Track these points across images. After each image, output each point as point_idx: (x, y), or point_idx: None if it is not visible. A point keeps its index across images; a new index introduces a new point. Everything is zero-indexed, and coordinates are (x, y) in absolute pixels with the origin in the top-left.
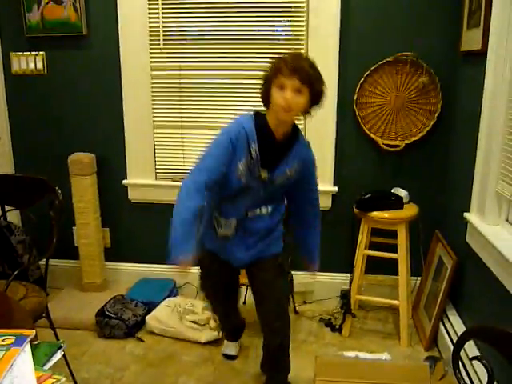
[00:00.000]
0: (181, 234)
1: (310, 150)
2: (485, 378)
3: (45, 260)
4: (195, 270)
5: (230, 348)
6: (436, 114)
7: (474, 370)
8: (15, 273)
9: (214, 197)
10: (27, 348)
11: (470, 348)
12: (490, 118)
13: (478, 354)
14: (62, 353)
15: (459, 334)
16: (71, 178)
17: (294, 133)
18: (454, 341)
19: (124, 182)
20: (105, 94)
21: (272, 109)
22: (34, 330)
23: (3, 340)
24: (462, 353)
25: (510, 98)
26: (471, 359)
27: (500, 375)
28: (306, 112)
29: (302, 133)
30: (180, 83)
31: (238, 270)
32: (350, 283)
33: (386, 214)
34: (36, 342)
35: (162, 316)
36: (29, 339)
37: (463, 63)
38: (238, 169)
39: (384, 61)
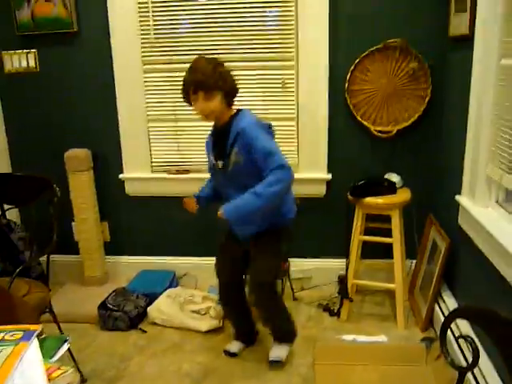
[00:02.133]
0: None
1: (243, 123)
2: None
3: (46, 256)
4: (195, 260)
5: (233, 345)
6: (426, 100)
7: (462, 349)
8: (18, 270)
9: None
10: (35, 342)
11: (463, 325)
12: (479, 102)
13: (472, 332)
14: (68, 345)
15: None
16: (68, 174)
17: (231, 120)
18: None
19: (120, 176)
20: (98, 90)
21: None
22: (41, 325)
23: (12, 335)
24: (454, 329)
25: (498, 82)
26: (457, 338)
27: (492, 350)
28: (229, 103)
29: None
30: (172, 76)
31: (243, 248)
32: (347, 268)
33: (379, 200)
34: (42, 336)
35: (163, 306)
36: (36, 333)
37: (452, 48)
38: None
39: (374, 48)
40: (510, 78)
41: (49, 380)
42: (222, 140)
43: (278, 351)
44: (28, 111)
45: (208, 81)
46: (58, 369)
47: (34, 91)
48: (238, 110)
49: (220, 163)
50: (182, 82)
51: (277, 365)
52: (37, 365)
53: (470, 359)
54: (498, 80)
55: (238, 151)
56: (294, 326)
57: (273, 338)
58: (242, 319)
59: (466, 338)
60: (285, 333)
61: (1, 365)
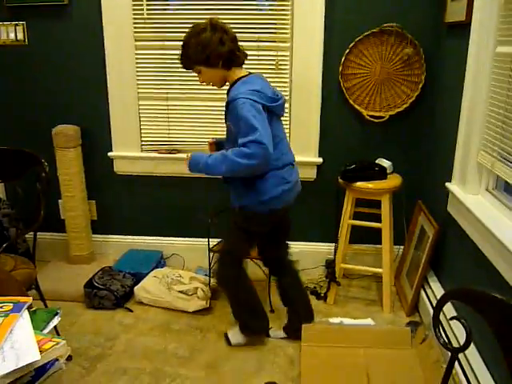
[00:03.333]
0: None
1: (235, 92)
2: (462, 338)
3: (32, 233)
4: (183, 241)
5: (237, 336)
6: (420, 86)
7: (453, 331)
8: (4, 245)
9: None
10: (25, 314)
11: (449, 312)
12: (473, 89)
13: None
14: (59, 318)
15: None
16: (56, 151)
17: (232, 85)
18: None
19: (109, 154)
20: (88, 65)
21: None
22: (31, 298)
23: (1, 307)
24: (441, 316)
25: (493, 70)
26: (450, 319)
27: (476, 335)
28: (230, 65)
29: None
30: (164, 54)
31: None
32: (335, 252)
33: (370, 185)
34: (33, 309)
35: (150, 286)
36: (27, 305)
37: (447, 35)
38: None
39: (369, 32)
40: (506, 66)
41: (40, 351)
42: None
43: (232, 333)
44: (16, 85)
45: (182, 61)
46: (50, 340)
47: (22, 65)
48: (246, 75)
49: (226, 124)
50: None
51: (227, 341)
52: (27, 336)
53: (459, 341)
54: (494, 67)
55: (230, 119)
56: (255, 326)
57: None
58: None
59: (459, 319)
60: (239, 321)
61: None
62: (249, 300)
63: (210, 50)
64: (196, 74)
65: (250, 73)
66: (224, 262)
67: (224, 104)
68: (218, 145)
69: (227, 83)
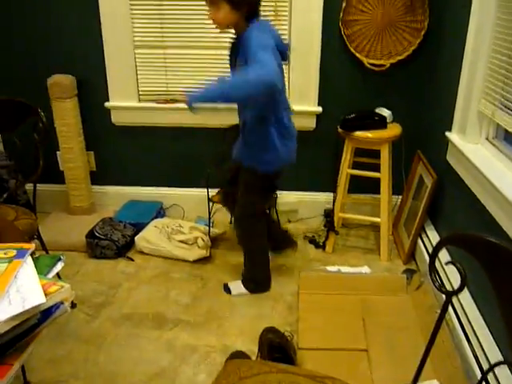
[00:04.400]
0: None
1: (247, 33)
2: (457, 283)
3: (32, 185)
4: (182, 191)
5: (238, 288)
6: (422, 33)
7: (447, 276)
8: (4, 195)
9: None
10: (29, 259)
11: (444, 259)
12: (477, 35)
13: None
14: (63, 264)
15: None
16: (52, 102)
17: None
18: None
19: (106, 104)
20: (82, 13)
21: None
22: (34, 244)
23: (5, 253)
24: (436, 263)
25: (498, 15)
26: (446, 263)
27: (470, 283)
28: (249, 16)
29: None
30: (161, 0)
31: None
32: (334, 202)
33: (369, 134)
34: (36, 256)
35: (150, 236)
36: (30, 251)
37: None
38: None
39: None
40: (510, 12)
41: (46, 295)
42: (234, 51)
43: (234, 285)
44: (6, 34)
45: None
46: (54, 284)
47: (15, 13)
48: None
49: (232, 72)
50: None
51: (226, 291)
52: (32, 280)
53: (453, 286)
54: (498, 12)
55: (239, 62)
56: (261, 278)
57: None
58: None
59: (454, 263)
60: (248, 279)
61: None
62: (265, 255)
63: None
64: (206, 8)
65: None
66: (246, 217)
67: (225, 51)
68: None
69: (228, 28)
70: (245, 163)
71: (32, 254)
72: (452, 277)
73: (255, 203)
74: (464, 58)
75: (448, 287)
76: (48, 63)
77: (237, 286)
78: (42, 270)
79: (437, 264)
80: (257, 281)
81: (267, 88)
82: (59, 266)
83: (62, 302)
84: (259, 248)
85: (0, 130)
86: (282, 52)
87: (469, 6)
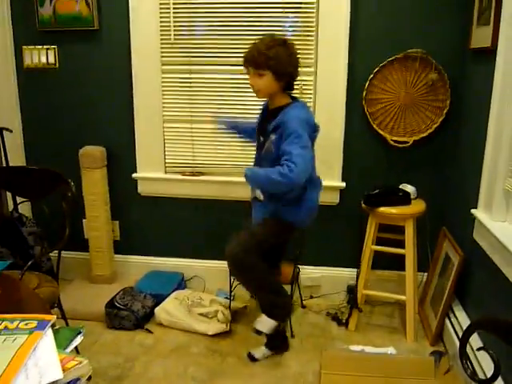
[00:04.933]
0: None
1: (288, 116)
2: (490, 369)
3: (56, 252)
4: (204, 263)
5: (261, 350)
6: (445, 111)
7: (479, 362)
8: (29, 262)
9: None
10: (49, 332)
11: (475, 342)
12: (499, 115)
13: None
14: (82, 337)
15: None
16: (82, 171)
17: (284, 107)
18: (460, 336)
19: (134, 175)
20: (115, 88)
21: None
22: (55, 316)
23: (26, 324)
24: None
25: None
26: (478, 349)
27: (505, 367)
28: (286, 88)
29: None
30: (190, 78)
31: None
32: (357, 278)
33: (393, 210)
34: (56, 327)
35: (170, 308)
36: (51, 323)
37: (473, 60)
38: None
39: (393, 57)
40: None
41: (63, 370)
42: (267, 121)
43: (261, 324)
44: (45, 107)
45: (258, 58)
46: (73, 359)
47: (51, 87)
48: (294, 101)
49: (261, 138)
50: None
51: (258, 334)
52: (51, 354)
53: (485, 372)
54: None
55: (273, 140)
56: (283, 303)
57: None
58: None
59: (487, 350)
60: (270, 308)
61: (15, 353)
62: (271, 280)
63: (293, 66)
64: (239, 81)
65: (294, 97)
66: (249, 249)
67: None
68: (235, 128)
69: (266, 98)
70: (267, 215)
71: (52, 326)
72: (484, 362)
73: (261, 243)
74: (487, 136)
75: (480, 374)
76: (80, 134)
77: (261, 323)
78: (61, 343)
79: (468, 348)
80: (280, 306)
81: (297, 186)
82: (79, 340)
83: (78, 378)
84: (265, 275)
85: (30, 197)
86: (315, 135)
87: (490, 85)
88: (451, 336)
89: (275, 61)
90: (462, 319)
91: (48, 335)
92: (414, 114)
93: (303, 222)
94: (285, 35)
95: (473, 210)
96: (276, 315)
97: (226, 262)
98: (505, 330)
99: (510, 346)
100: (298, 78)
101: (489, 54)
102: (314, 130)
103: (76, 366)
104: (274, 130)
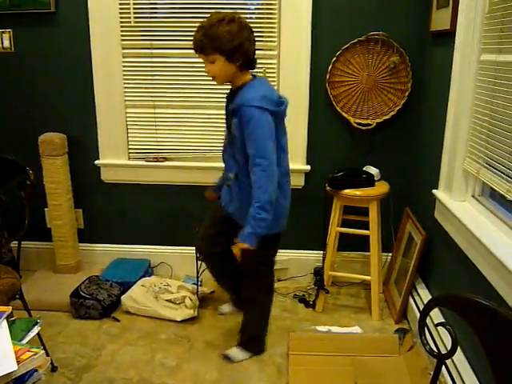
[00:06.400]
0: None
1: (244, 99)
2: (449, 344)
3: (17, 242)
4: (170, 249)
5: (241, 353)
6: (406, 94)
7: (441, 338)
8: None
9: None
10: (4, 323)
11: (437, 317)
12: (458, 96)
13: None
14: (39, 328)
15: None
16: (42, 159)
17: (242, 87)
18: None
19: (96, 162)
20: (75, 73)
21: None
22: (11, 307)
23: None
24: (428, 321)
25: (477, 77)
26: (436, 325)
27: (464, 342)
28: (245, 67)
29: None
30: (152, 62)
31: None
32: (323, 260)
33: (357, 192)
34: (12, 319)
35: (137, 296)
36: (5, 315)
37: (433, 43)
38: None
39: (356, 40)
40: (490, 74)
41: (18, 362)
42: (231, 101)
43: (233, 351)
44: (1, 94)
45: (203, 42)
46: (28, 350)
47: (7, 72)
48: (254, 78)
49: (228, 123)
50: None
51: (226, 360)
52: (5, 346)
53: (447, 347)
54: (478, 75)
55: (235, 124)
56: (265, 333)
57: (238, 342)
58: (223, 279)
59: (445, 325)
60: (255, 334)
61: None
62: (269, 311)
63: (239, 44)
64: (202, 64)
65: (254, 75)
66: (261, 274)
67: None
68: (216, 190)
69: (226, 82)
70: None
71: (8, 317)
72: (445, 338)
73: (269, 256)
74: (447, 117)
75: (442, 348)
76: (40, 121)
77: (238, 352)
78: (17, 335)
79: (429, 324)
80: (261, 337)
81: (275, 173)
82: (36, 330)
83: (35, 370)
84: (270, 299)
85: None
86: (281, 110)
87: (449, 67)
88: (415, 314)
89: (220, 41)
90: (425, 297)
91: (2, 326)
92: (377, 96)
93: (283, 225)
94: (249, 17)
95: (434, 191)
96: (254, 349)
97: (192, 248)
98: (461, 305)
99: (465, 320)
100: (262, 61)
101: (448, 37)
102: (276, 104)
103: (31, 358)
104: (234, 113)
